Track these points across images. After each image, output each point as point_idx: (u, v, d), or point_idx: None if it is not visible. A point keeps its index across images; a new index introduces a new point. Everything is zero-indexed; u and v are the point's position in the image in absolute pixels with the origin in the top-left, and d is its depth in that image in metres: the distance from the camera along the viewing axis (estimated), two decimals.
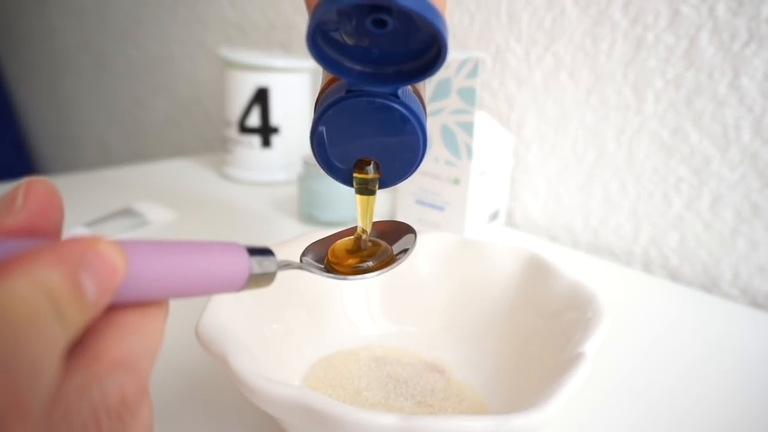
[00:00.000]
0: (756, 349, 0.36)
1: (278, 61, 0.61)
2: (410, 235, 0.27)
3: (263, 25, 0.77)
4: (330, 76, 0.24)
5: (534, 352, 0.28)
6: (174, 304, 0.40)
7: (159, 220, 0.51)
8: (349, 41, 0.21)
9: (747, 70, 0.42)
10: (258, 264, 0.19)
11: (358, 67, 0.22)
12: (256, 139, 0.63)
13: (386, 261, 0.25)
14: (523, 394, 0.26)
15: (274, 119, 0.63)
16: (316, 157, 0.25)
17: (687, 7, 0.43)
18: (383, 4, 0.18)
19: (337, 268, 0.24)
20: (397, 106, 0.22)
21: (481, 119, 0.49)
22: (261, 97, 0.61)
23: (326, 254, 0.25)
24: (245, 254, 0.18)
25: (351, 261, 0.25)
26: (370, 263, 0.25)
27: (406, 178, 0.25)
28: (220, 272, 0.18)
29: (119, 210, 0.52)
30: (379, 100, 0.22)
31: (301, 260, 0.24)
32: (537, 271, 0.31)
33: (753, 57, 0.41)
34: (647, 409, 0.30)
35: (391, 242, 0.26)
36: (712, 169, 0.45)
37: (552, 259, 0.31)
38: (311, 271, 0.23)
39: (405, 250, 0.25)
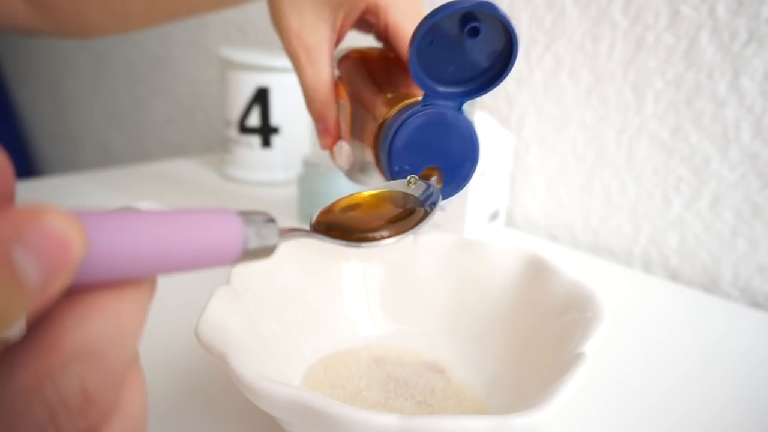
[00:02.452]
0: (756, 349, 0.36)
1: (278, 61, 0.61)
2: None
3: (263, 25, 0.77)
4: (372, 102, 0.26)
5: (534, 352, 0.28)
6: (173, 304, 0.40)
7: None
8: (436, 55, 0.24)
9: (747, 70, 0.42)
10: (256, 234, 0.16)
11: (436, 85, 0.24)
12: (256, 139, 0.63)
13: (405, 225, 0.22)
14: (523, 394, 0.26)
15: (274, 119, 0.63)
16: (386, 168, 0.25)
17: (687, 7, 0.43)
18: (484, 9, 0.22)
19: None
20: (463, 119, 0.25)
21: (481, 119, 0.49)
22: (261, 97, 0.61)
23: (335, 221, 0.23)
24: (238, 222, 0.16)
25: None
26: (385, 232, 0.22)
27: (460, 190, 0.26)
28: (208, 247, 0.15)
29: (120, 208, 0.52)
30: (451, 113, 0.25)
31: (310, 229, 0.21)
32: (537, 271, 0.31)
33: (753, 57, 0.41)
34: (647, 409, 0.30)
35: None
36: (712, 169, 0.45)
37: (552, 259, 0.31)
38: (321, 239, 0.21)
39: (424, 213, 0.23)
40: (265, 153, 0.64)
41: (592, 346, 0.24)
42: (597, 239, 0.53)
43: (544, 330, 0.29)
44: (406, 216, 0.23)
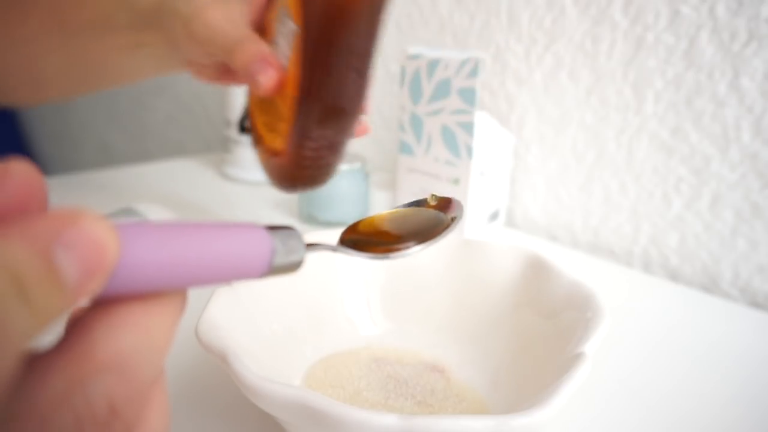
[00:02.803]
0: (756, 349, 0.36)
1: None
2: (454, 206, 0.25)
3: None
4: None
5: (534, 352, 0.28)
6: None
7: (159, 218, 0.51)
8: None
9: (747, 70, 0.42)
10: (283, 248, 0.16)
11: None
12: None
13: (430, 233, 0.22)
14: (523, 394, 0.26)
15: None
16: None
17: (687, 7, 0.43)
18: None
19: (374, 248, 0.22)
20: None
21: (481, 119, 0.49)
22: None
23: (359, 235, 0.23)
24: (266, 237, 0.16)
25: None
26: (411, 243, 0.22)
27: None
28: (236, 260, 0.15)
29: (120, 210, 0.52)
30: None
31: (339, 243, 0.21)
32: (537, 271, 0.31)
33: (753, 57, 0.41)
34: (647, 408, 0.30)
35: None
36: (712, 169, 0.45)
37: (552, 259, 0.31)
38: (347, 253, 0.21)
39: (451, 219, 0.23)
40: None
41: (592, 346, 0.24)
42: (597, 239, 0.53)
43: (544, 330, 0.29)
44: (430, 227, 0.23)
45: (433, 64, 0.46)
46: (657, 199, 0.48)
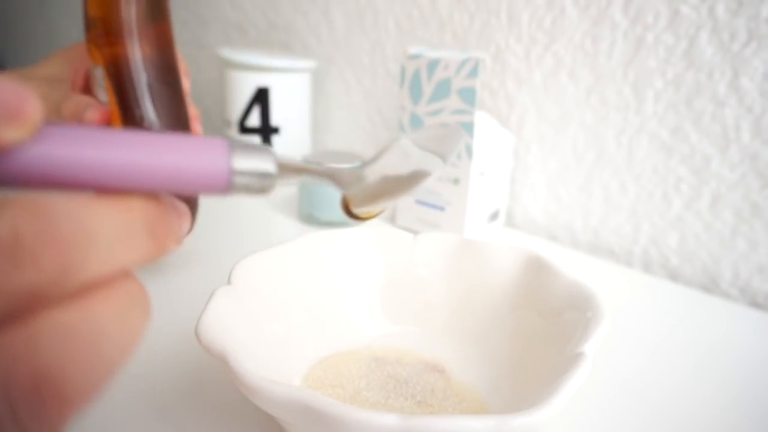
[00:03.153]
0: (756, 349, 0.36)
1: (278, 61, 0.61)
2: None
3: (263, 25, 0.77)
4: None
5: (534, 352, 0.28)
6: (173, 304, 0.40)
7: None
8: None
9: (747, 70, 0.42)
10: (245, 157, 0.15)
11: None
12: (256, 140, 0.63)
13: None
14: (523, 394, 0.26)
15: (275, 119, 0.63)
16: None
17: (687, 8, 0.43)
18: None
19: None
20: None
21: (481, 119, 0.49)
22: (261, 97, 0.61)
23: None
24: (225, 144, 0.15)
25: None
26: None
27: None
28: (192, 159, 0.14)
29: None
30: None
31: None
32: (537, 271, 0.31)
33: (753, 57, 0.41)
34: (647, 408, 0.30)
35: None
36: (712, 169, 0.45)
37: (552, 259, 0.31)
38: (319, 171, 0.20)
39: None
40: None
41: (592, 346, 0.24)
42: (597, 239, 0.53)
43: (544, 330, 0.29)
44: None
45: (433, 64, 0.46)
46: (657, 199, 0.48)
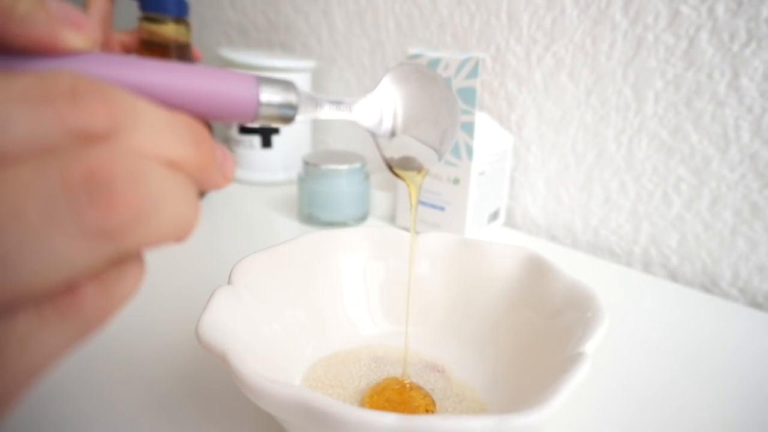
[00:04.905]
0: (755, 349, 0.36)
1: (278, 61, 0.61)
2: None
3: (263, 25, 0.77)
4: None
5: (534, 352, 0.28)
6: (173, 304, 0.40)
7: None
8: None
9: (746, 70, 0.42)
10: (272, 89, 0.18)
11: None
12: (256, 139, 0.63)
13: None
14: (523, 394, 0.26)
15: None
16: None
17: (687, 8, 0.43)
18: None
19: None
20: None
21: (481, 119, 0.49)
22: None
23: None
24: (253, 78, 0.18)
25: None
26: None
27: None
28: (224, 86, 0.17)
29: None
30: None
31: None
32: (537, 271, 0.31)
33: (752, 57, 0.41)
34: (647, 408, 0.30)
35: None
36: (712, 169, 0.45)
37: (551, 259, 0.31)
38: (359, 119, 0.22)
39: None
40: (266, 153, 0.64)
41: (591, 346, 0.24)
42: (597, 239, 0.53)
43: (544, 330, 0.29)
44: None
45: (433, 64, 0.46)
46: (657, 199, 0.48)
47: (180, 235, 0.14)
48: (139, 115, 0.13)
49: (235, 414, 0.28)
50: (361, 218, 0.54)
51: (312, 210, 0.52)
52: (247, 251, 0.47)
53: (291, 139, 0.65)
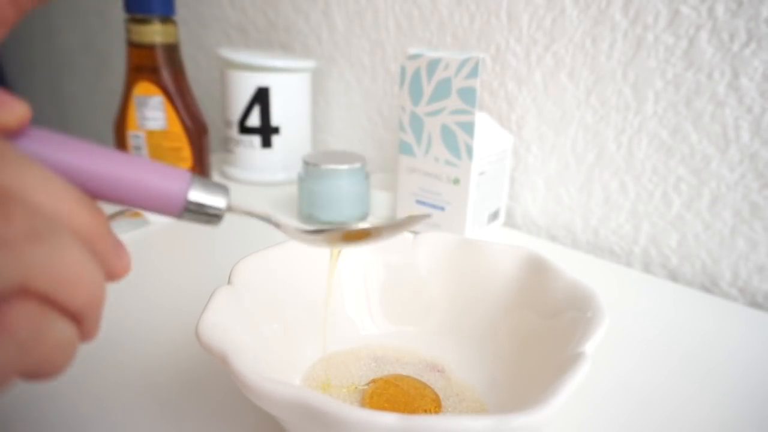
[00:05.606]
0: (755, 349, 0.36)
1: (278, 61, 0.61)
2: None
3: (263, 25, 0.77)
4: None
5: (534, 352, 0.28)
6: (173, 304, 0.40)
7: (159, 220, 0.51)
8: None
9: (746, 70, 0.42)
10: (202, 189, 0.18)
11: None
12: (256, 139, 0.63)
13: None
14: (523, 394, 0.26)
15: (275, 119, 0.63)
16: None
17: (687, 8, 0.43)
18: None
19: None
20: None
21: (481, 119, 0.49)
22: (261, 97, 0.62)
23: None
24: (186, 173, 0.18)
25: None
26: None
27: None
28: (152, 181, 0.17)
29: (119, 210, 0.52)
30: None
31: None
32: (537, 271, 0.31)
33: (752, 57, 0.41)
34: (646, 408, 0.30)
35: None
36: (711, 169, 0.45)
37: (551, 259, 0.31)
38: (279, 228, 0.22)
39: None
40: (266, 153, 0.64)
41: (591, 346, 0.24)
42: (597, 239, 0.53)
43: (544, 330, 0.29)
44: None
45: (433, 64, 0.46)
46: (657, 199, 0.48)
47: (82, 293, 0.15)
48: (36, 174, 0.15)
49: (235, 414, 0.28)
50: (361, 218, 0.54)
51: (312, 210, 0.52)
52: (247, 251, 0.47)
53: (291, 139, 0.65)
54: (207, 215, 0.19)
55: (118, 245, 0.17)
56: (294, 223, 0.24)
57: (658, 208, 0.48)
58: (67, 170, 0.16)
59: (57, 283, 0.14)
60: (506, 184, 0.53)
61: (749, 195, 0.44)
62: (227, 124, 0.64)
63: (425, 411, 0.26)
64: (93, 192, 0.17)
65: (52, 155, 0.16)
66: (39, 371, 0.15)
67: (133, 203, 0.17)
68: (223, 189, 0.19)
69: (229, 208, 0.20)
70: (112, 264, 0.17)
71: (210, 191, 0.19)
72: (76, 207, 0.15)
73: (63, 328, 0.15)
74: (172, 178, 0.18)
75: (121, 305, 0.37)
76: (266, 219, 0.22)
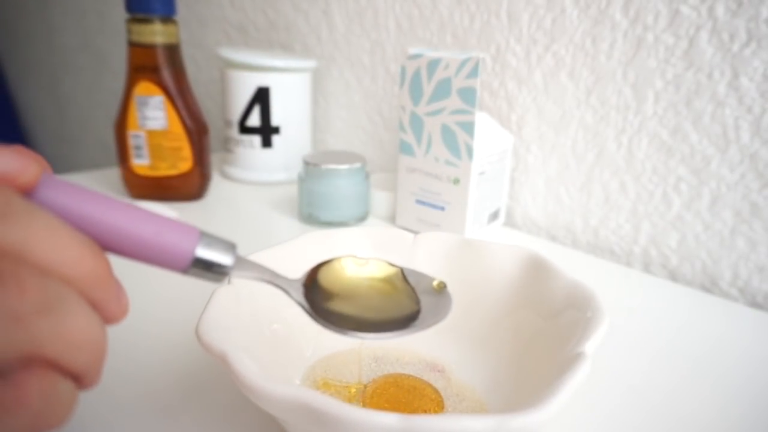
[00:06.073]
0: (755, 349, 0.36)
1: (278, 61, 0.61)
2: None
3: (263, 25, 0.77)
4: None
5: (534, 352, 0.28)
6: (174, 305, 0.40)
7: None
8: None
9: (746, 70, 0.42)
10: (209, 247, 0.19)
11: None
12: (256, 139, 0.63)
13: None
14: (523, 394, 0.26)
15: (275, 119, 0.63)
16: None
17: (687, 8, 0.43)
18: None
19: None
20: None
21: (481, 119, 0.49)
22: (261, 97, 0.62)
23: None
24: (194, 231, 0.18)
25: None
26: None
27: None
28: (159, 237, 0.17)
29: None
30: None
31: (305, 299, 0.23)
32: (537, 271, 0.31)
33: (752, 57, 0.41)
34: (646, 408, 0.30)
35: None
36: (711, 169, 0.45)
37: (551, 259, 0.31)
38: (299, 304, 0.22)
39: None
40: (266, 153, 0.64)
41: (591, 346, 0.24)
42: (597, 239, 0.53)
43: (544, 330, 0.29)
44: (396, 307, 0.24)
45: (433, 64, 0.46)
46: (657, 199, 0.48)
47: (90, 348, 0.16)
48: (42, 223, 0.15)
49: (235, 414, 0.28)
50: (361, 218, 0.54)
51: (312, 210, 0.52)
52: (247, 251, 0.47)
53: (291, 139, 0.65)
54: (213, 273, 0.19)
55: (119, 289, 0.18)
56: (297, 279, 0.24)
57: (658, 208, 0.48)
58: (78, 221, 0.17)
59: (64, 349, 0.15)
60: (506, 184, 0.53)
61: (749, 195, 0.44)
62: (227, 124, 0.64)
63: (425, 411, 0.26)
64: (100, 242, 0.17)
65: (64, 204, 0.17)
66: (44, 428, 0.16)
67: (138, 256, 0.18)
68: (230, 246, 0.19)
69: (236, 267, 0.20)
70: (111, 310, 0.18)
71: (217, 249, 0.19)
72: (80, 254, 0.16)
73: (68, 388, 0.16)
74: (181, 234, 0.18)
75: None
76: (275, 283, 0.22)
